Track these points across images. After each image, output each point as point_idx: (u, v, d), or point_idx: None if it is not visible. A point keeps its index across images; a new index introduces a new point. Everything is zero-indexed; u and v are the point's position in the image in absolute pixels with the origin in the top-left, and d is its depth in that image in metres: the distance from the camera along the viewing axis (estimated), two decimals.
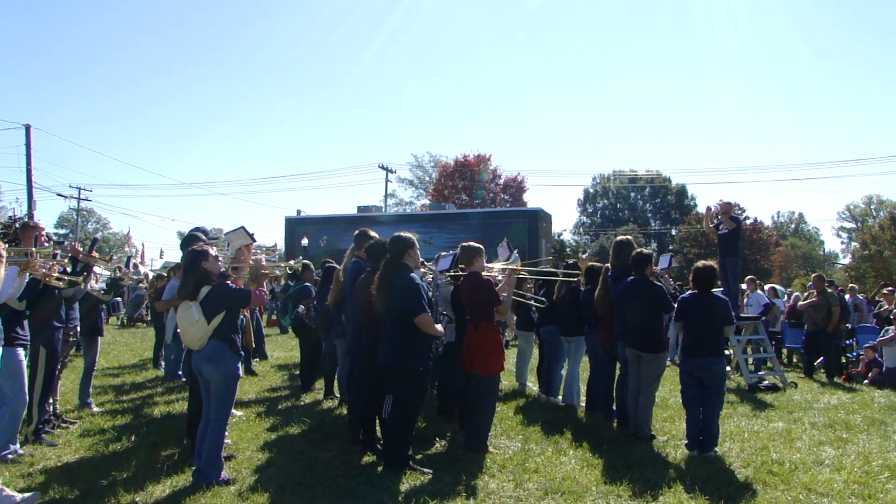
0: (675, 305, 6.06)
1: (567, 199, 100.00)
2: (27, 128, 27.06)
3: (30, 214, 25.56)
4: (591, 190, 64.84)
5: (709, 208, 11.09)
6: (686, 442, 5.67)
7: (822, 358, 10.73)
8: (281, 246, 22.01)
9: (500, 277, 6.46)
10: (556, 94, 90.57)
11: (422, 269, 5.85)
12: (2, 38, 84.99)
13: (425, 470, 4.86)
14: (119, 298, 20.10)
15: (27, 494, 4.20)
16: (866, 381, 9.76)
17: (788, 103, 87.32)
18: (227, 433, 5.10)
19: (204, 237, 5.90)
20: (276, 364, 11.38)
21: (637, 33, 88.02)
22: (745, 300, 12.03)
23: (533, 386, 8.70)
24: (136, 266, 11.72)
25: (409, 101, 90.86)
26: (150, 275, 12.87)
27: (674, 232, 57.07)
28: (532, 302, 7.74)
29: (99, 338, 7.55)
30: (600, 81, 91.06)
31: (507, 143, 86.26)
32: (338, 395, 7.81)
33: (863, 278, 37.45)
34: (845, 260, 57.28)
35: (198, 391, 4.99)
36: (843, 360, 11.19)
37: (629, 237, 6.98)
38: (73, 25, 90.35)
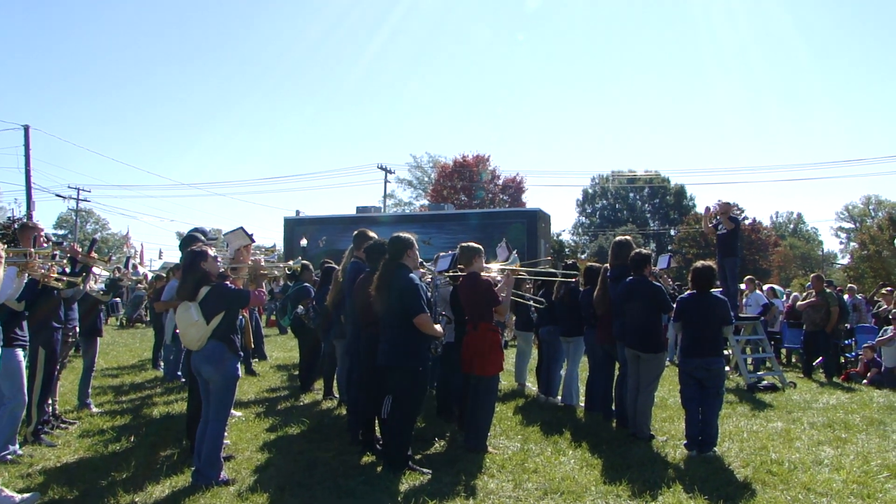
0: (674, 305, 6.06)
1: (566, 199, 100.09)
2: (26, 128, 27.07)
3: (29, 215, 25.57)
4: (590, 190, 64.91)
5: (707, 208, 11.10)
6: (685, 442, 5.67)
7: (820, 358, 10.74)
8: (280, 246, 21.99)
9: (498, 278, 6.46)
10: (556, 94, 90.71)
11: (421, 270, 5.86)
12: (0, 39, 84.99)
13: (425, 470, 4.86)
14: (118, 299, 20.13)
15: (27, 495, 4.20)
16: (865, 381, 9.77)
17: (787, 103, 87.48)
18: (226, 433, 5.10)
19: (203, 238, 5.91)
20: (276, 364, 11.38)
21: (636, 33, 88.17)
22: (744, 300, 12.04)
23: (532, 386, 8.70)
24: (135, 267, 11.69)
25: (408, 102, 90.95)
26: (149, 275, 12.87)
27: (672, 232, 57.10)
28: (531, 302, 7.75)
29: (98, 338, 7.55)
30: (599, 82, 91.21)
31: (506, 143, 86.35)
32: (337, 396, 7.81)
33: (861, 278, 37.47)
34: (844, 260, 57.35)
35: (197, 392, 4.99)
36: (842, 359, 11.21)
37: (628, 237, 6.98)
38: (72, 26, 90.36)
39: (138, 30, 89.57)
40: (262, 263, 5.70)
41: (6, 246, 4.65)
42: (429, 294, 5.39)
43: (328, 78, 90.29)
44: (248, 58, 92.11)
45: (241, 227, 5.78)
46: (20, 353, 5.16)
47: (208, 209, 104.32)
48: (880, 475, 4.97)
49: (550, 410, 7.33)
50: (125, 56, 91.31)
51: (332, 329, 7.49)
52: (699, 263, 6.04)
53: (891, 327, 10.03)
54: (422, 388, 5.18)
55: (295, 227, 22.05)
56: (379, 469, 4.94)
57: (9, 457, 5.10)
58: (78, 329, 6.58)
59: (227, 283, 4.87)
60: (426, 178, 51.06)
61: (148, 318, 18.69)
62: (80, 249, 6.13)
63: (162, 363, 10.39)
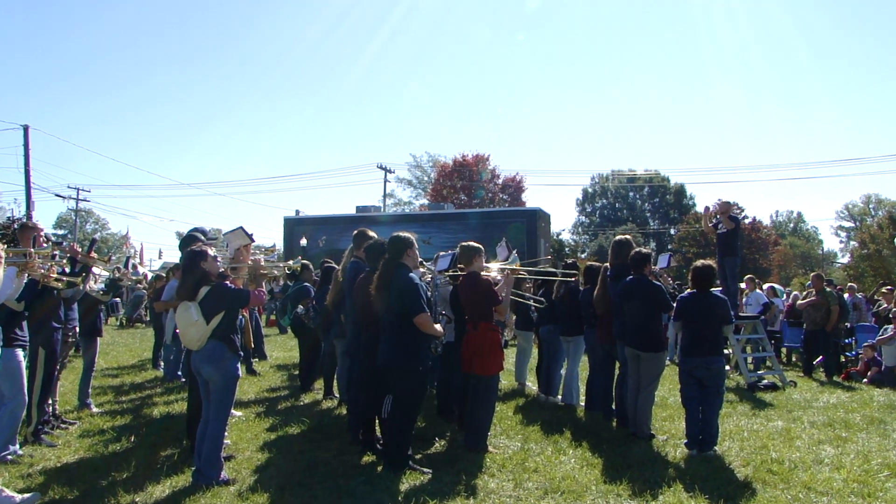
0: (674, 305, 6.06)
1: (566, 198, 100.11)
2: (25, 128, 27.04)
3: (28, 215, 25.56)
4: (590, 189, 64.89)
5: (707, 208, 11.10)
6: (685, 441, 5.67)
7: (821, 357, 10.73)
8: (280, 246, 22.00)
9: (498, 277, 6.45)
10: (555, 93, 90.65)
11: (421, 269, 5.86)
12: (0, 39, 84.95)
13: (425, 470, 4.86)
14: (118, 299, 20.14)
15: (27, 495, 4.20)
16: (865, 380, 9.76)
17: (787, 102, 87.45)
18: (226, 433, 5.09)
19: (203, 237, 5.90)
20: (276, 364, 11.38)
21: (636, 33, 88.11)
22: (744, 299, 12.04)
23: (532, 385, 8.70)
24: (134, 266, 11.69)
25: (407, 101, 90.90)
26: (149, 275, 12.87)
27: (672, 231, 57.09)
28: (531, 302, 7.74)
29: (98, 338, 7.54)
30: (599, 81, 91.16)
31: (506, 142, 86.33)
32: (337, 395, 7.80)
33: (861, 277, 37.48)
34: (844, 259, 57.39)
35: (197, 391, 4.99)
36: (842, 358, 11.19)
37: (628, 237, 6.98)
38: (72, 26, 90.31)
39: (138, 30, 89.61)
40: (262, 263, 5.69)
41: (6, 246, 4.65)
42: (429, 293, 5.38)
43: (328, 78, 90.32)
44: (248, 58, 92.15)
45: (241, 227, 5.77)
46: (20, 353, 5.16)
47: (208, 209, 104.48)
48: (881, 474, 4.97)
49: (551, 410, 7.33)
50: (125, 56, 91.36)
51: (332, 329, 7.49)
52: (699, 262, 6.04)
53: (891, 326, 10.03)
54: (422, 388, 5.18)
55: (295, 226, 22.05)
56: (379, 469, 4.94)
57: (9, 457, 5.10)
58: (78, 329, 6.58)
59: (227, 282, 4.86)
60: (426, 178, 51.08)
61: (148, 318, 18.70)
62: (79, 249, 6.13)
63: (162, 363, 10.39)
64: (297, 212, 23.53)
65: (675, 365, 7.16)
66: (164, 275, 11.32)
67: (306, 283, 8.96)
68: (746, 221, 44.46)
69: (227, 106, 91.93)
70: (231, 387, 4.78)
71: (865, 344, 10.43)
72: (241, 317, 5.84)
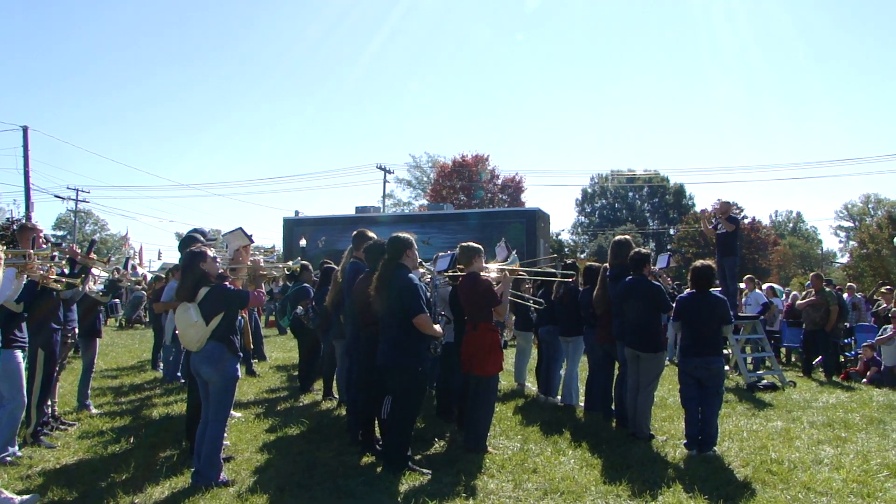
0: (674, 305, 6.06)
1: (565, 198, 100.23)
2: (25, 129, 27.05)
3: (27, 216, 25.55)
4: (590, 190, 64.94)
5: (704, 211, 11.10)
6: (685, 441, 5.67)
7: (820, 357, 10.74)
8: (279, 247, 21.98)
9: (497, 277, 6.45)
10: (555, 94, 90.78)
11: (420, 270, 5.85)
12: None
13: (424, 470, 4.86)
14: (117, 300, 20.14)
15: (26, 496, 4.20)
16: (865, 380, 9.77)
17: (786, 102, 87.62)
18: (225, 434, 5.09)
19: (202, 238, 5.90)
20: (275, 365, 11.37)
21: (635, 33, 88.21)
22: (744, 299, 12.04)
23: (532, 386, 8.70)
24: (134, 267, 11.70)
25: (407, 102, 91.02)
26: (148, 276, 12.88)
27: (672, 231, 57.11)
28: (530, 303, 7.74)
29: (97, 339, 7.53)
30: (599, 81, 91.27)
31: (505, 143, 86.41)
32: (336, 396, 7.80)
33: (861, 277, 37.51)
34: (843, 259, 57.43)
35: (196, 392, 4.98)
36: (842, 358, 11.20)
37: (627, 237, 6.98)
38: (71, 26, 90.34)
39: (137, 30, 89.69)
40: (262, 264, 5.69)
41: (5, 247, 4.64)
42: (428, 294, 5.38)
43: (328, 78, 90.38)
44: (248, 58, 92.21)
45: (240, 228, 5.77)
46: (19, 354, 5.16)
47: (207, 210, 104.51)
48: (880, 474, 4.97)
49: (550, 410, 7.33)
50: (124, 56, 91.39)
51: (331, 329, 7.48)
52: (698, 263, 6.04)
53: (890, 326, 10.03)
54: (421, 389, 5.18)
55: (294, 227, 22.02)
56: (379, 469, 4.94)
57: (8, 458, 5.09)
58: (77, 330, 6.58)
59: (227, 283, 4.86)
60: (425, 178, 51.06)
61: (147, 319, 18.69)
62: (79, 250, 6.13)
63: (161, 364, 10.38)
64: (297, 212, 23.50)
65: (675, 365, 7.16)
66: (163, 276, 11.32)
67: (305, 284, 8.95)
68: (746, 221, 44.46)
69: (227, 106, 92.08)
70: (230, 388, 4.78)
71: (865, 344, 10.43)
72: (240, 318, 5.83)
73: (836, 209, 64.32)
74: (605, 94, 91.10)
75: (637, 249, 6.36)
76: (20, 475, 4.89)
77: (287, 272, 8.47)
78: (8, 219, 27.76)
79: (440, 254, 7.02)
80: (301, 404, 7.82)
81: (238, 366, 4.89)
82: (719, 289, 9.54)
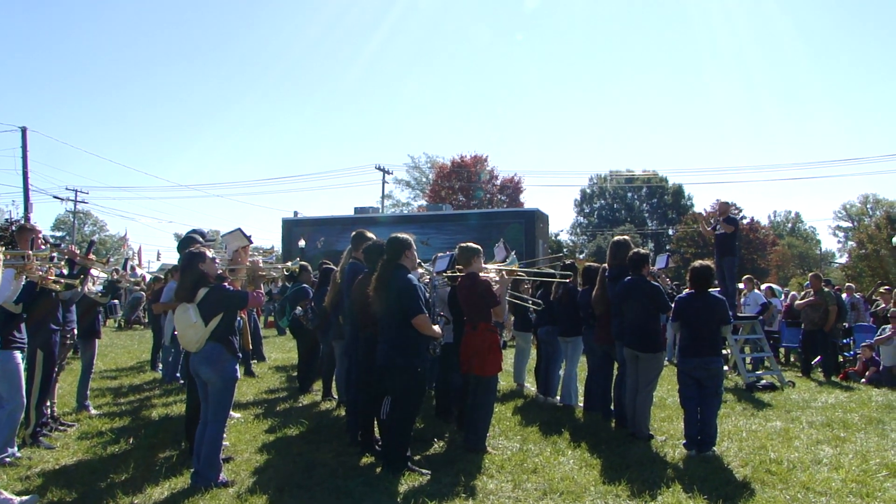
0: (673, 305, 6.07)
1: (564, 199, 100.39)
2: (23, 130, 27.00)
3: (26, 217, 25.47)
4: (588, 190, 64.98)
5: (702, 214, 11.12)
6: (684, 441, 5.68)
7: (819, 357, 10.75)
8: (278, 247, 21.98)
9: (495, 278, 6.45)
10: (554, 94, 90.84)
11: (419, 270, 5.85)
12: None
13: (424, 471, 4.86)
14: (116, 301, 20.12)
15: (25, 497, 4.19)
16: (863, 380, 9.78)
17: (785, 103, 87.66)
18: (225, 435, 5.09)
19: (201, 239, 5.90)
20: (274, 366, 11.37)
21: (635, 33, 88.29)
22: (743, 299, 12.06)
23: (531, 386, 8.70)
24: (133, 268, 11.68)
25: (406, 102, 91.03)
26: (148, 277, 12.86)
27: (671, 232, 57.16)
28: (529, 304, 7.74)
29: (96, 340, 7.52)
30: (598, 82, 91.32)
31: (504, 143, 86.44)
32: (336, 397, 7.80)
33: (859, 277, 37.53)
34: (842, 259, 57.46)
35: (196, 393, 4.98)
36: (841, 358, 11.21)
37: (626, 237, 6.99)
38: (70, 26, 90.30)
39: (136, 30, 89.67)
40: (261, 265, 5.70)
41: (4, 248, 4.64)
42: (427, 294, 5.38)
43: (326, 78, 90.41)
44: (247, 58, 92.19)
45: (239, 229, 5.77)
46: (18, 355, 5.16)
47: (206, 210, 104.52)
48: (879, 474, 4.98)
49: (549, 410, 7.33)
50: (123, 56, 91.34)
51: (330, 330, 7.49)
52: (697, 263, 6.04)
53: (889, 326, 10.05)
54: (421, 389, 5.17)
55: (293, 227, 22.02)
56: (378, 470, 4.94)
57: (7, 459, 5.09)
58: (76, 331, 6.58)
59: (226, 284, 4.86)
60: (424, 179, 51.08)
61: (146, 320, 18.70)
62: (77, 251, 6.12)
63: (160, 365, 10.38)
64: (296, 213, 23.52)
65: (674, 365, 7.17)
66: (162, 276, 11.33)
67: (305, 285, 8.95)
68: (745, 221, 44.54)
69: (225, 107, 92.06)
70: (230, 388, 4.78)
71: (863, 344, 10.44)
72: (239, 318, 5.83)
73: (834, 209, 64.50)
74: (604, 95, 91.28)
75: (636, 250, 6.37)
76: (19, 476, 4.89)
77: (286, 273, 8.47)
78: (7, 220, 27.70)
79: (439, 254, 7.02)
80: (300, 405, 7.82)
81: (237, 366, 4.89)
82: (718, 289, 9.54)
